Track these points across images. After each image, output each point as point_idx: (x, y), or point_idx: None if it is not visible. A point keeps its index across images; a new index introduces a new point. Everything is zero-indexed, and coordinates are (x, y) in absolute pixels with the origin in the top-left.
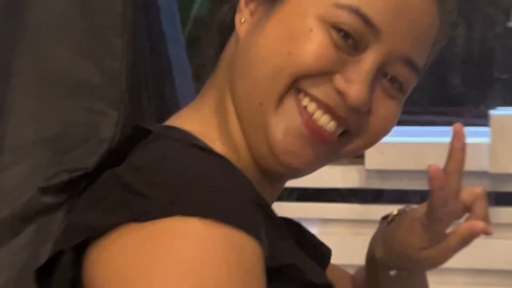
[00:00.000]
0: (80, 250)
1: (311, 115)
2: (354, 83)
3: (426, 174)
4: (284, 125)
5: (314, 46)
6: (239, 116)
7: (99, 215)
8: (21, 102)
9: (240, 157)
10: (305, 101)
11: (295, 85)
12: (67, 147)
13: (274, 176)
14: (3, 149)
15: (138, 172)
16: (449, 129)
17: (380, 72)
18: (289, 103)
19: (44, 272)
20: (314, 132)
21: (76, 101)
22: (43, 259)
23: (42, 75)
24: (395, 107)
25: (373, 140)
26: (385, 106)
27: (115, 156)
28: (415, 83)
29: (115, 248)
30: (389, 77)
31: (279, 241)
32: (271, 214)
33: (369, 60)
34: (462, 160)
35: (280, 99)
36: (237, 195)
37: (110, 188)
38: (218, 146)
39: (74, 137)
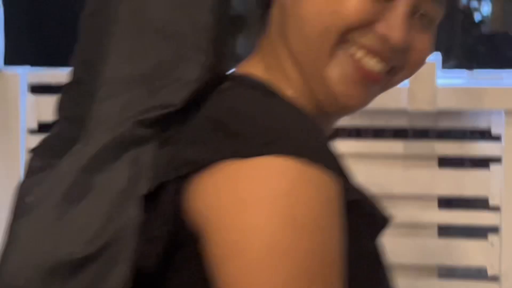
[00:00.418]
0: (181, 182)
1: (361, 61)
2: (393, 27)
3: None
4: (338, 73)
5: (354, 2)
6: (298, 69)
7: (203, 151)
8: (118, 45)
9: (303, 103)
10: (354, 50)
11: (343, 38)
12: (159, 85)
13: (330, 117)
14: (102, 84)
15: (234, 114)
16: None
17: (412, 12)
18: (341, 54)
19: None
20: (366, 75)
21: (168, 46)
22: (141, 187)
23: (138, 23)
24: (429, 39)
25: (415, 71)
26: (421, 40)
27: (198, 97)
28: (443, 14)
29: (219, 181)
30: (419, 14)
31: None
32: (336, 154)
33: (402, 4)
34: None
35: (332, 52)
36: (319, 138)
37: (209, 127)
38: (286, 93)
39: (165, 77)
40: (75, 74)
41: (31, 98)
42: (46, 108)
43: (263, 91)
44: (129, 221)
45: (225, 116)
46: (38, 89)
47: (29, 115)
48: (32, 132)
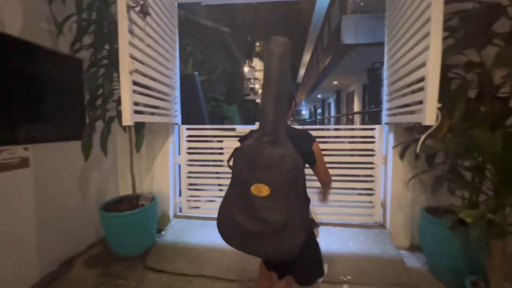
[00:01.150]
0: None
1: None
2: None
3: None
4: None
5: None
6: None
7: (308, 141)
8: (275, 104)
9: None
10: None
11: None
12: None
13: None
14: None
15: (306, 133)
16: None
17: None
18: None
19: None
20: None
21: (285, 107)
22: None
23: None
24: None
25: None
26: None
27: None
28: None
29: (314, 147)
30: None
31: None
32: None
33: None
34: None
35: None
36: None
37: (305, 135)
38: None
39: (284, 118)
40: (262, 104)
41: (186, 131)
42: (190, 134)
43: (296, 129)
44: (292, 155)
45: (305, 133)
46: (188, 129)
47: (184, 135)
48: (186, 141)
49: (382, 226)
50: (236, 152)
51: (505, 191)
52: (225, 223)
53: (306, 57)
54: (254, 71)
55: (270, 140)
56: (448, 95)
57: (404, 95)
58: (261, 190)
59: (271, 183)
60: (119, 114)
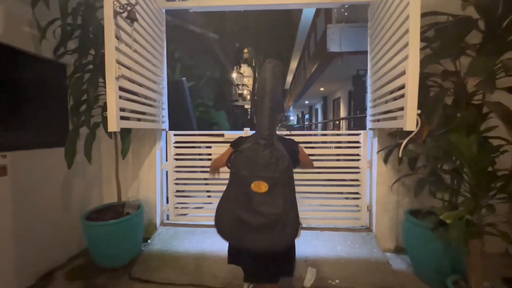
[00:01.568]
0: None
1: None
2: None
3: None
4: None
5: None
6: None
7: (295, 147)
8: (267, 114)
9: None
10: None
11: None
12: (274, 130)
13: None
14: (259, 118)
15: (292, 140)
16: None
17: None
18: None
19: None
20: None
21: (277, 116)
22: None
23: (273, 104)
24: None
25: None
26: None
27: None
28: None
29: (299, 150)
30: None
31: None
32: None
33: None
34: None
35: None
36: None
37: (292, 142)
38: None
39: (276, 127)
40: (255, 113)
41: (173, 137)
42: (177, 140)
43: (283, 136)
44: (286, 156)
45: (292, 142)
46: (176, 135)
47: (172, 141)
48: (174, 147)
49: (368, 229)
50: (235, 154)
51: (481, 193)
52: (224, 220)
53: (294, 64)
54: (243, 77)
55: (267, 143)
56: (427, 101)
57: (386, 101)
58: (260, 186)
59: (269, 180)
60: (104, 120)
